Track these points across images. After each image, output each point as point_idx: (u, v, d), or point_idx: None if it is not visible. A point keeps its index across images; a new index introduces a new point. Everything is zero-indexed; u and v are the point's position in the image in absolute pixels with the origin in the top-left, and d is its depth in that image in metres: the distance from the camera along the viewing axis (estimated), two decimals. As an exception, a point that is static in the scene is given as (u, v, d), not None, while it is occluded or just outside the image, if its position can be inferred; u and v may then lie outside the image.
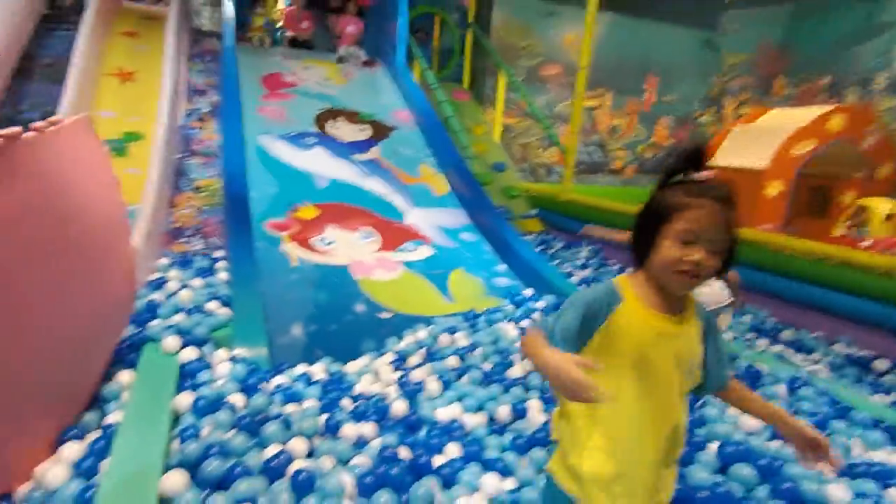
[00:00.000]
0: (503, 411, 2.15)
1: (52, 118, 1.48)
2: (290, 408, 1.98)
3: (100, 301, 1.67)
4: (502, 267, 3.91)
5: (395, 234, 3.88)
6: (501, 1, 7.47)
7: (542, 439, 1.95)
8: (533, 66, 7.97)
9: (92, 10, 4.65)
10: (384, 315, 3.04)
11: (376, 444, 1.89)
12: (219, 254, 3.34)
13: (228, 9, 5.16)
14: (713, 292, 2.57)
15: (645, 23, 8.44)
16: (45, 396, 1.54)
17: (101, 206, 1.63)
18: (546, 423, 2.02)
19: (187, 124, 4.45)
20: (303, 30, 6.23)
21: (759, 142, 6.19)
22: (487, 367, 2.52)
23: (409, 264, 3.61)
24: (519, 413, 2.15)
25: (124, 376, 1.87)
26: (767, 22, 8.86)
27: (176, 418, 1.77)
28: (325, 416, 1.99)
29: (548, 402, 2.23)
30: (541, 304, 3.28)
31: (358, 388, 2.32)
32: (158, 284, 2.64)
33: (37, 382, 1.48)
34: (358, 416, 2.05)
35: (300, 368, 2.37)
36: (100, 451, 1.57)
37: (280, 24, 6.13)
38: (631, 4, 8.15)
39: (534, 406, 2.21)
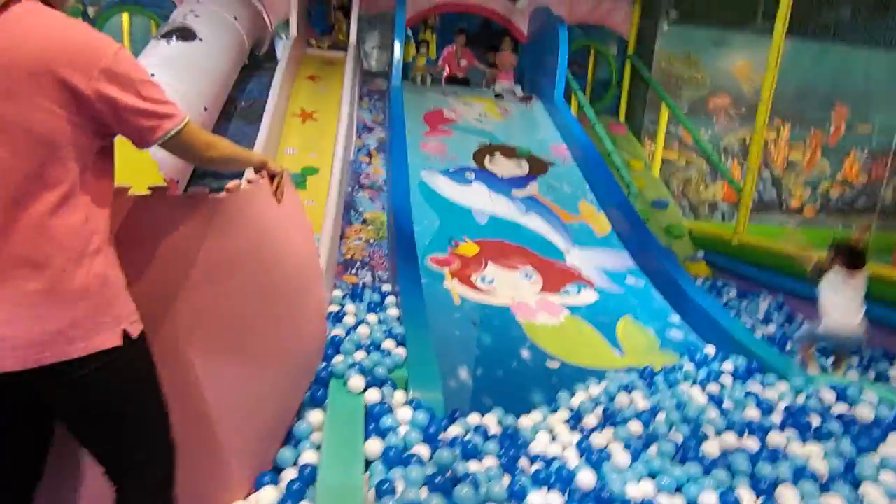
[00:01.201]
0: (709, 499, 1.81)
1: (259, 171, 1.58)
2: (473, 465, 1.85)
3: (299, 344, 1.71)
4: (675, 318, 3.50)
5: (556, 276, 3.68)
6: (665, 32, 7.08)
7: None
8: (698, 98, 7.38)
9: (284, 59, 5.23)
10: (552, 364, 2.84)
11: (566, 519, 1.69)
12: (386, 287, 3.41)
13: (397, 52, 5.50)
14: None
15: (832, 47, 7.48)
16: (247, 442, 1.58)
17: (299, 251, 1.69)
18: None
19: (357, 159, 4.74)
20: (461, 68, 6.44)
21: None
22: (677, 437, 2.19)
23: (572, 309, 3.38)
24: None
25: (315, 415, 1.91)
26: None
27: (366, 463, 1.74)
28: (507, 479, 1.83)
29: (761, 493, 1.85)
30: (727, 365, 2.84)
31: (535, 448, 2.14)
32: (338, 317, 2.73)
33: (243, 428, 1.52)
34: (540, 481, 1.87)
35: (474, 419, 2.25)
36: (296, 494, 1.57)
37: (440, 64, 6.40)
38: (816, 28, 7.26)
39: (746, 497, 1.84)
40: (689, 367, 2.88)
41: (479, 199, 4.35)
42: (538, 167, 4.85)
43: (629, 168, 6.13)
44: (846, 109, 7.82)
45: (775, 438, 2.09)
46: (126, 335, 1.10)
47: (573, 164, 4.97)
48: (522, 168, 4.80)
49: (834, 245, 3.05)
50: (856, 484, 1.86)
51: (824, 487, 1.83)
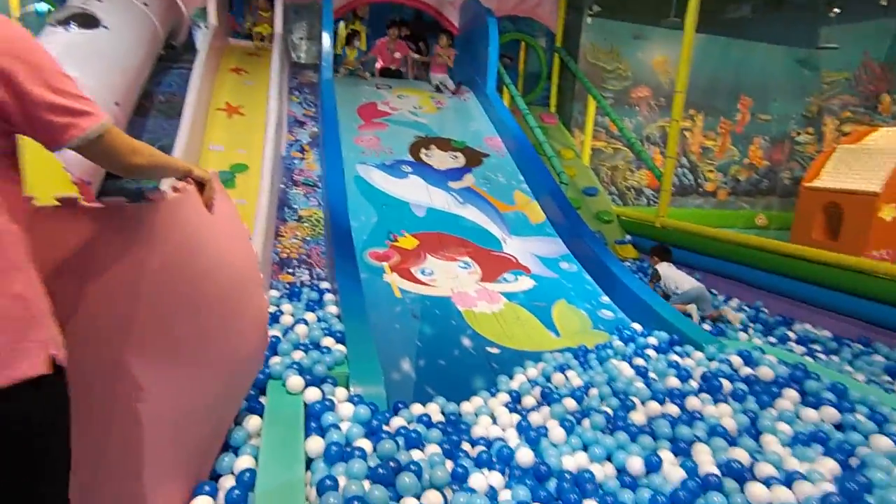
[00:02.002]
0: (635, 463, 1.96)
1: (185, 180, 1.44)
2: (416, 454, 1.89)
3: (235, 353, 1.64)
4: (606, 299, 3.69)
5: (493, 264, 3.77)
6: (590, 25, 7.36)
7: (683, 499, 1.74)
8: (621, 89, 7.76)
9: (203, 50, 4.97)
10: (492, 350, 2.92)
11: (506, 496, 1.77)
12: (325, 285, 3.36)
13: (327, 43, 5.38)
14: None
15: (737, 43, 8.16)
16: (183, 454, 1.52)
17: (234, 261, 1.61)
18: (685, 481, 1.81)
19: (289, 155, 4.61)
20: (395, 60, 6.39)
21: (869, 163, 5.81)
22: (607, 410, 2.34)
23: (509, 296, 3.48)
24: (652, 466, 1.95)
25: (253, 421, 1.87)
26: (870, 37, 8.38)
27: (307, 461, 1.73)
28: (450, 464, 1.89)
29: (681, 455, 2.02)
30: (652, 339, 3.05)
31: (477, 431, 2.21)
32: (274, 318, 2.68)
33: (178, 440, 1.47)
34: (482, 463, 1.94)
35: (417, 408, 2.29)
36: (236, 501, 1.54)
37: (373, 54, 6.31)
38: (723, 25, 7.85)
39: (667, 459, 2.00)
40: (618, 343, 3.06)
41: (416, 191, 4.37)
42: (474, 159, 4.92)
43: (560, 158, 6.36)
44: (749, 100, 8.53)
45: (692, 402, 2.28)
46: (54, 362, 0.97)
47: (507, 156, 5.08)
48: (458, 160, 4.86)
49: (653, 250, 4.44)
50: (758, 436, 2.07)
51: (733, 442, 2.02)
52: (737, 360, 2.59)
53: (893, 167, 5.56)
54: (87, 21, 4.31)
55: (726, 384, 2.40)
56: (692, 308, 3.84)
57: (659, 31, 7.57)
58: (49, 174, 3.15)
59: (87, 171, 3.58)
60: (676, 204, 8.22)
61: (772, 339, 3.66)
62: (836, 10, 7.58)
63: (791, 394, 2.31)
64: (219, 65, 5.42)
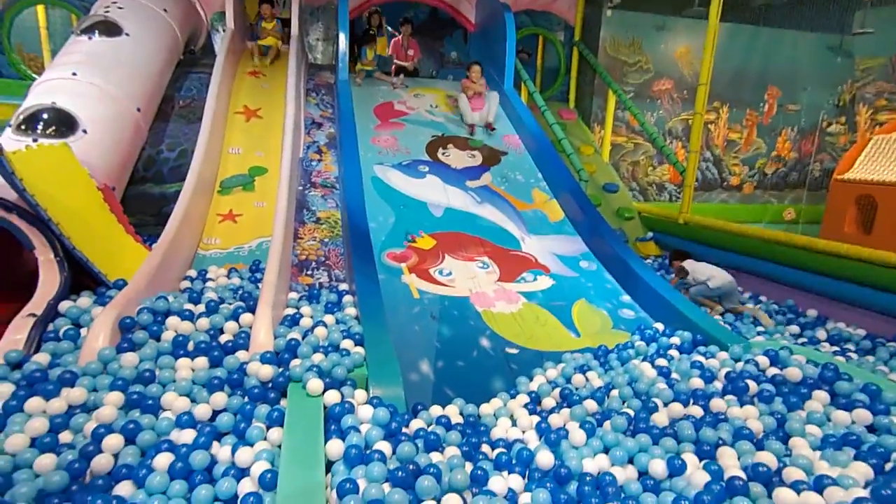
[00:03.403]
0: (658, 466, 1.92)
1: None
2: (435, 456, 1.88)
3: None
4: (627, 298, 3.63)
5: (512, 264, 3.74)
6: (609, 18, 7.24)
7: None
8: (643, 83, 7.61)
9: (222, 54, 5.03)
10: (511, 351, 2.90)
11: (526, 499, 1.75)
12: (343, 286, 3.38)
13: (342, 43, 5.40)
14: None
15: (764, 31, 7.89)
16: None
17: None
18: (709, 485, 1.76)
19: (307, 157, 4.65)
20: (409, 58, 6.38)
21: None
22: (629, 412, 2.30)
23: (529, 295, 3.45)
24: (675, 469, 1.91)
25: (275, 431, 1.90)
26: None
27: (327, 464, 1.74)
28: (469, 466, 1.88)
29: (706, 458, 1.97)
30: (675, 339, 2.99)
31: (496, 433, 2.20)
32: (294, 320, 2.70)
33: None
34: (501, 465, 1.93)
35: (436, 410, 2.29)
36: None
37: (390, 54, 6.31)
38: (749, 12, 7.63)
39: (691, 462, 1.95)
40: (640, 343, 3.01)
41: (433, 191, 4.36)
42: (491, 157, 4.89)
43: (580, 154, 6.27)
44: (777, 90, 8.27)
45: (717, 404, 2.22)
46: None
47: (525, 153, 5.04)
48: (476, 159, 4.84)
49: (671, 254, 4.58)
50: (787, 439, 2.00)
51: (759, 445, 1.96)
52: (763, 361, 2.52)
53: (932, 157, 5.37)
54: (110, 29, 4.41)
55: (752, 385, 2.33)
56: (709, 303, 3.94)
57: (682, 21, 7.39)
58: (76, 180, 3.23)
59: (111, 177, 3.67)
60: (700, 199, 8.05)
61: (802, 340, 3.55)
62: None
63: (821, 395, 2.23)
64: (237, 68, 5.48)
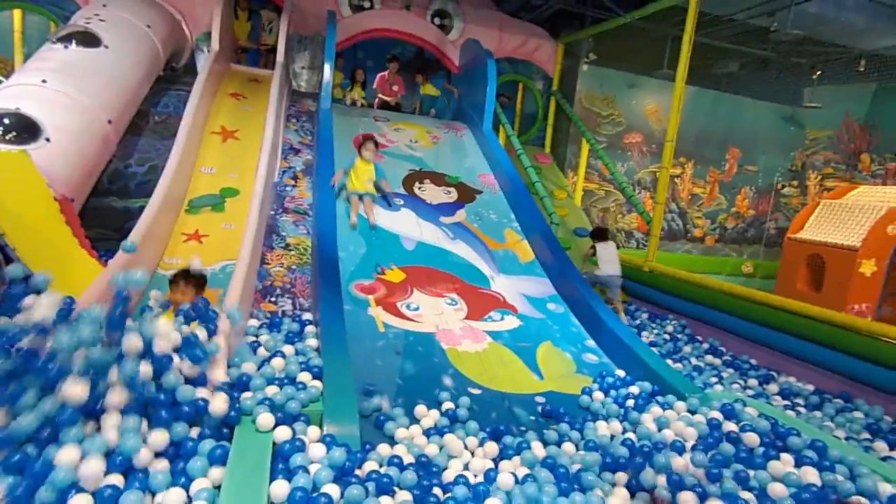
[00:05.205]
0: None
1: None
2: (385, 501, 1.81)
3: None
4: (591, 342, 3.65)
5: (480, 302, 3.74)
6: (585, 72, 7.58)
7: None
8: (615, 134, 7.94)
9: (204, 73, 5.00)
10: (474, 391, 2.85)
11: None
12: (307, 316, 3.30)
13: (327, 73, 5.45)
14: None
15: (726, 96, 8.49)
16: None
17: None
18: None
19: (282, 181, 4.60)
20: (393, 93, 6.49)
21: (850, 219, 6.09)
22: (575, 467, 2.24)
23: (495, 335, 3.44)
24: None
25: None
26: (851, 99, 8.84)
27: (271, 505, 1.64)
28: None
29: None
30: (634, 389, 2.99)
31: (448, 475, 2.12)
32: (251, 349, 2.60)
33: None
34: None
35: (385, 450, 2.18)
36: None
37: (374, 87, 6.41)
38: (713, 79, 8.19)
39: None
40: (598, 394, 2.98)
41: (406, 224, 4.36)
42: (466, 195, 4.95)
43: (553, 197, 6.41)
44: (738, 150, 8.80)
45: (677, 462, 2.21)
46: None
47: (500, 193, 5.12)
48: (451, 195, 4.88)
49: (591, 232, 5.53)
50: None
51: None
52: (718, 416, 2.55)
53: (872, 224, 5.76)
54: (89, 40, 4.35)
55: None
56: (597, 288, 4.76)
57: (653, 81, 7.82)
58: (31, 189, 3.10)
59: (71, 188, 3.54)
60: (665, 248, 8.31)
61: (749, 392, 3.62)
62: (819, 72, 7.92)
63: (785, 459, 2.24)
64: (218, 89, 5.46)
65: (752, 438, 2.34)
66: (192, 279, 2.43)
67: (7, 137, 3.30)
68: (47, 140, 3.41)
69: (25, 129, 3.37)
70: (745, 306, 4.36)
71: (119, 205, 4.18)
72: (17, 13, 6.10)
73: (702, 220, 8.79)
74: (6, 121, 3.36)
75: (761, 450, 2.29)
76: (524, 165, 5.80)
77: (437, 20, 7.29)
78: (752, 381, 3.78)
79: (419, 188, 4.86)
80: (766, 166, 9.02)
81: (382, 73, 6.53)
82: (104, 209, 4.12)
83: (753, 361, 4.18)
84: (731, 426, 2.47)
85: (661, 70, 7.30)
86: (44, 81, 3.75)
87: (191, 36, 6.31)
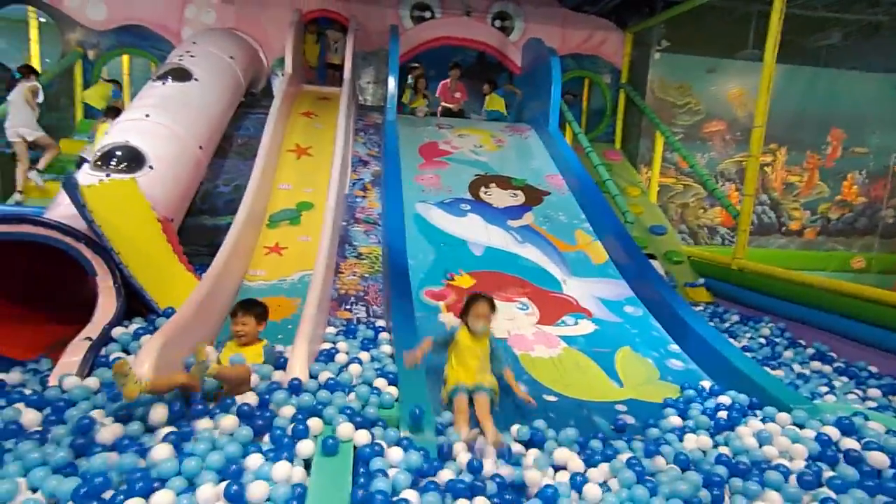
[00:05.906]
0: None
1: None
2: (464, 507, 1.78)
3: None
4: (675, 347, 3.43)
5: (553, 306, 3.64)
6: (657, 60, 7.22)
7: None
8: (692, 124, 7.47)
9: (279, 96, 5.31)
10: (549, 398, 2.77)
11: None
12: (381, 323, 3.37)
13: (392, 86, 5.59)
14: None
15: (825, 72, 7.63)
16: None
17: None
18: None
19: (352, 193, 4.76)
20: (456, 100, 6.54)
21: None
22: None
23: (569, 340, 3.33)
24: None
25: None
26: None
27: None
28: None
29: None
30: (724, 399, 2.73)
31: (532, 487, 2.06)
32: (329, 355, 2.70)
33: None
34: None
35: (466, 457, 2.16)
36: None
37: (437, 96, 6.50)
38: (809, 54, 7.41)
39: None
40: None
41: (474, 230, 4.35)
42: (533, 197, 4.86)
43: (626, 195, 6.15)
44: (841, 132, 7.91)
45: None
46: None
47: (569, 193, 4.98)
48: (518, 198, 4.81)
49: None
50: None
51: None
52: (834, 432, 2.26)
53: None
54: (181, 74, 4.78)
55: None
56: None
57: (736, 63, 7.29)
58: (140, 212, 3.43)
59: (170, 209, 3.87)
60: (756, 244, 7.66)
61: (871, 404, 3.19)
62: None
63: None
64: (291, 109, 5.76)
65: (879, 459, 2.06)
66: (252, 311, 2.53)
67: (119, 167, 3.70)
68: (151, 168, 3.77)
69: (133, 160, 3.76)
70: (860, 306, 3.85)
71: (209, 222, 4.51)
72: (125, 59, 6.91)
73: (799, 211, 8.00)
74: (118, 153, 3.77)
75: (891, 472, 2.02)
76: (593, 164, 5.61)
77: (497, 23, 7.26)
78: (874, 392, 3.24)
79: (485, 193, 4.83)
80: (880, 146, 7.97)
81: (445, 81, 6.59)
82: (197, 227, 4.47)
83: (874, 369, 3.61)
84: (850, 443, 2.19)
85: (746, 50, 6.78)
86: (147, 116, 4.17)
87: (267, 62, 6.73)
